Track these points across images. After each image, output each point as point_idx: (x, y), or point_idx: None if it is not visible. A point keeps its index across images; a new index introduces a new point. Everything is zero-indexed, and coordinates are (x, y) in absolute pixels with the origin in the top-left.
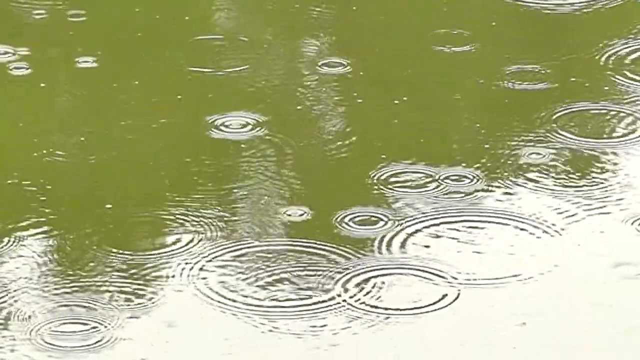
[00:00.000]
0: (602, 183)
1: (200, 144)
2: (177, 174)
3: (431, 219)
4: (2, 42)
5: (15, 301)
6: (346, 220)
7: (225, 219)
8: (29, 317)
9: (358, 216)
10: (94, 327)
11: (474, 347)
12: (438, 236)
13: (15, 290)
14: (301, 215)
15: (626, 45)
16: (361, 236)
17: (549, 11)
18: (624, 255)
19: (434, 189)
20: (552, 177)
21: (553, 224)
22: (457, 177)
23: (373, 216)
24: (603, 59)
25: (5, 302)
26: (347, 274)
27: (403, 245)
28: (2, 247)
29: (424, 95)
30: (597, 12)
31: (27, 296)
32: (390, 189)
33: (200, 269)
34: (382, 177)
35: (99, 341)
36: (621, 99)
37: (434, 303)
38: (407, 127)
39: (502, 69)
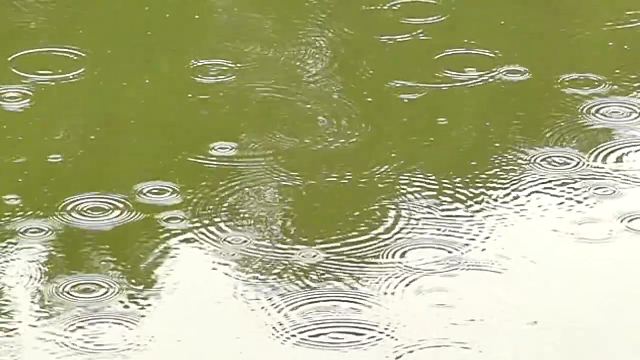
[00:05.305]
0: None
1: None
2: (185, 173)
3: None
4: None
5: (29, 300)
6: None
7: (233, 220)
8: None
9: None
10: (100, 328)
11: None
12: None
13: (25, 287)
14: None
15: None
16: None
17: None
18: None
19: None
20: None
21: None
22: None
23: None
24: None
25: (11, 301)
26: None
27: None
28: (8, 245)
29: None
30: None
31: (35, 295)
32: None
33: (213, 269)
34: None
35: (106, 340)
36: None
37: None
38: None
39: None
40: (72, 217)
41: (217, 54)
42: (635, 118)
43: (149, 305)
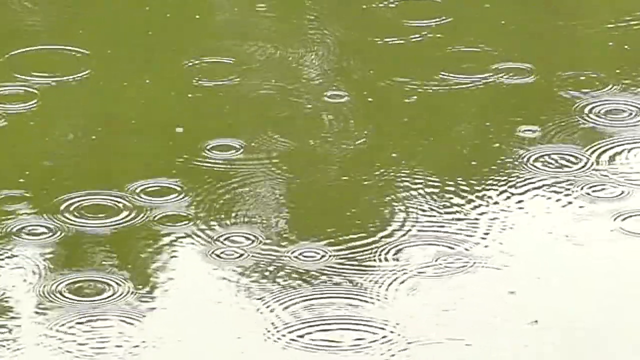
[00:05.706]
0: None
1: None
2: (185, 173)
3: None
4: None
5: (33, 296)
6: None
7: (233, 219)
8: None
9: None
10: (100, 328)
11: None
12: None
13: (25, 287)
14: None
15: None
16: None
17: None
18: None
19: None
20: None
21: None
22: None
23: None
24: None
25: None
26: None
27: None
28: (8, 245)
29: None
30: None
31: (37, 291)
32: None
33: (213, 269)
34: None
35: (108, 340)
36: None
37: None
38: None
39: None
40: (72, 217)
41: (217, 54)
42: (635, 118)
43: (149, 305)
